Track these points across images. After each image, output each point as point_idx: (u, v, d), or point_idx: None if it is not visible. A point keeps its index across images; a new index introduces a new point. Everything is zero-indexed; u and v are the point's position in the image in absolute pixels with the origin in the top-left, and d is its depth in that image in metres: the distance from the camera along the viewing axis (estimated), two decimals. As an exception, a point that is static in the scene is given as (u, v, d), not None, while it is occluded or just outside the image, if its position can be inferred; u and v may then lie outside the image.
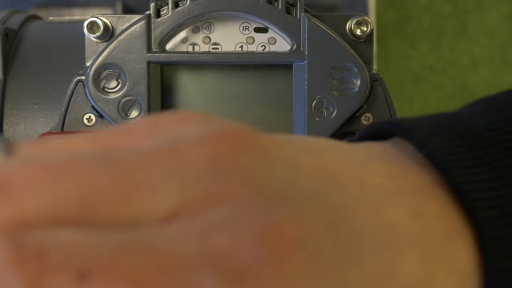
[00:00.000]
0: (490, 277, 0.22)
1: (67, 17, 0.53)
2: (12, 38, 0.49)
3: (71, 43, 0.49)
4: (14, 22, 0.51)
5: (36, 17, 0.54)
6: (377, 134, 0.26)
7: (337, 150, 0.23)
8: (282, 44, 0.42)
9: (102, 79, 0.41)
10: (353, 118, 0.42)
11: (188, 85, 0.43)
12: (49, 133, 0.41)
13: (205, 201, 0.18)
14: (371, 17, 0.94)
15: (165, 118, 0.20)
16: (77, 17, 0.53)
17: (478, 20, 1.32)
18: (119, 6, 0.92)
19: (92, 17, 0.42)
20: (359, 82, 0.41)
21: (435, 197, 0.23)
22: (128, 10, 0.94)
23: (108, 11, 0.95)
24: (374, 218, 0.21)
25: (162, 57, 0.41)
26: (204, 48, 0.42)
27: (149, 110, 0.41)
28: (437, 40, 1.33)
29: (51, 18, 0.53)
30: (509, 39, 1.32)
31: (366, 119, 0.42)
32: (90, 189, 0.17)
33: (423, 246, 0.21)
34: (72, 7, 0.89)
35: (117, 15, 0.42)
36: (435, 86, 1.33)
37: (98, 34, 0.41)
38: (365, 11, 0.96)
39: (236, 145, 0.19)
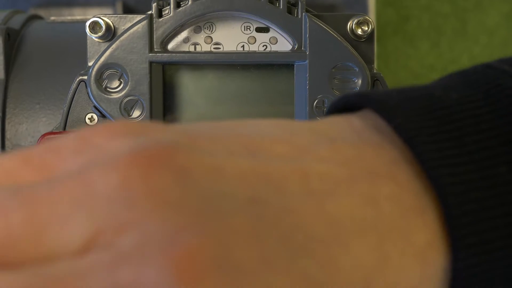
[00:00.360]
0: (456, 254, 0.21)
1: (69, 17, 0.53)
2: (14, 38, 0.49)
3: (73, 43, 0.49)
4: (16, 22, 0.51)
5: (37, 17, 0.54)
6: (347, 106, 0.25)
7: (282, 139, 0.22)
8: (284, 44, 0.42)
9: (104, 79, 0.41)
10: (354, 117, 0.42)
11: (189, 84, 0.43)
12: (51, 132, 0.42)
13: (116, 230, 0.17)
14: (371, 16, 0.94)
15: (92, 133, 0.20)
16: (78, 17, 0.53)
17: (477, 19, 1.33)
18: (119, 6, 0.92)
19: (94, 17, 0.42)
20: (360, 81, 0.41)
21: (393, 176, 0.22)
22: (128, 9, 0.94)
23: (108, 10, 0.95)
24: (315, 215, 0.20)
25: (164, 57, 0.41)
26: (206, 48, 0.42)
27: (151, 109, 0.41)
28: (436, 39, 1.33)
29: (52, 18, 0.53)
30: (508, 38, 1.32)
31: (367, 119, 0.42)
32: (5, 229, 0.17)
33: (375, 231, 0.21)
34: (73, 7, 0.89)
35: (119, 15, 0.42)
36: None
37: (100, 34, 0.42)
38: (365, 10, 0.96)
39: (148, 167, 0.18)
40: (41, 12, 0.89)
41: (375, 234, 0.21)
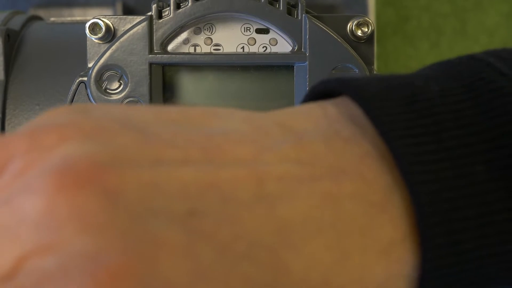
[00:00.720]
0: (425, 254, 0.21)
1: (69, 18, 0.53)
2: (14, 39, 0.49)
3: (73, 44, 0.49)
4: (16, 23, 0.51)
5: (37, 18, 0.54)
6: (327, 91, 0.25)
7: (246, 139, 0.22)
8: (284, 45, 0.42)
9: (104, 80, 0.41)
10: (354, 118, 0.42)
11: (189, 86, 0.43)
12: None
13: (41, 254, 0.17)
14: (371, 17, 0.95)
15: (42, 132, 0.20)
16: (78, 18, 0.53)
17: (477, 19, 1.33)
18: (119, 6, 0.92)
19: (94, 18, 0.42)
20: (360, 83, 0.41)
21: (359, 172, 0.21)
22: (128, 10, 0.94)
23: (108, 11, 0.95)
24: (262, 221, 0.20)
25: (164, 58, 0.41)
26: (206, 49, 0.42)
27: (151, 111, 0.41)
28: (436, 39, 1.33)
29: (52, 19, 0.53)
30: (508, 38, 1.32)
31: (367, 120, 0.42)
32: None
33: (333, 230, 0.20)
34: (72, 7, 0.89)
35: (119, 16, 0.42)
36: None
37: (100, 35, 0.42)
38: (364, 11, 0.96)
39: (74, 188, 0.18)
40: (41, 13, 0.89)
41: (333, 233, 0.21)
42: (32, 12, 0.88)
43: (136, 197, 0.18)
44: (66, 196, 0.18)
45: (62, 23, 0.53)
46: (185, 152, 0.20)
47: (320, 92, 0.25)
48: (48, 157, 0.19)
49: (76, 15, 0.89)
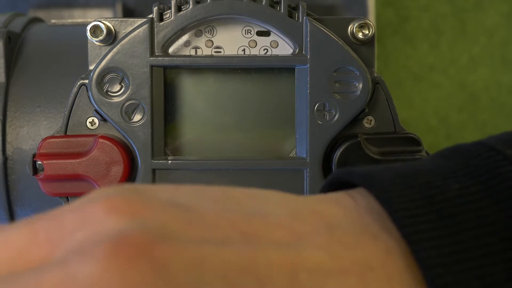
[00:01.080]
0: None
1: (69, 20, 0.53)
2: (15, 41, 0.49)
3: (74, 46, 0.49)
4: (17, 25, 0.51)
5: (38, 20, 0.54)
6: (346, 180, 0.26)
7: (283, 224, 0.23)
8: (285, 47, 0.42)
9: (105, 83, 0.41)
10: (355, 121, 0.42)
11: (190, 88, 0.43)
12: (52, 136, 0.42)
13: None
14: (371, 17, 0.95)
15: (92, 207, 0.22)
16: (79, 20, 0.53)
17: (477, 20, 1.33)
18: (119, 7, 0.92)
19: (95, 20, 0.42)
20: (361, 85, 0.41)
21: (385, 269, 0.22)
22: (128, 11, 0.94)
23: (108, 12, 0.95)
24: None
25: (165, 60, 0.41)
26: (207, 51, 0.42)
27: (152, 113, 0.41)
28: (436, 39, 1.33)
29: (53, 21, 0.53)
30: (508, 39, 1.32)
31: (368, 122, 0.42)
32: None
33: None
34: (72, 8, 0.89)
35: (119, 19, 0.42)
36: (435, 86, 1.33)
37: (101, 38, 0.42)
38: (364, 11, 0.96)
39: (126, 260, 0.19)
40: (41, 13, 0.90)
41: None
42: (32, 13, 0.88)
43: (182, 271, 0.20)
44: (119, 265, 0.19)
45: (63, 25, 0.53)
46: (227, 233, 0.22)
47: (339, 180, 0.27)
48: (103, 229, 0.21)
49: (76, 16, 0.89)
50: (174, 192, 0.23)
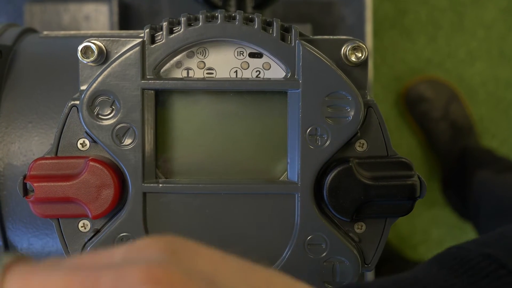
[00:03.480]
0: None
1: (62, 32, 0.52)
2: (6, 55, 0.48)
3: (66, 60, 0.49)
4: (9, 37, 0.51)
5: (30, 31, 0.54)
6: None
7: None
8: (277, 70, 0.42)
9: (96, 106, 0.41)
10: (347, 144, 0.42)
11: (182, 110, 0.42)
12: (42, 158, 0.41)
13: None
14: (368, 11, 0.94)
15: (130, 274, 0.23)
16: (72, 32, 0.52)
17: (475, 14, 1.32)
18: (114, 1, 0.92)
19: (85, 41, 0.41)
20: (353, 110, 0.41)
21: None
22: (124, 5, 0.94)
23: (103, 6, 0.94)
24: None
25: (157, 84, 0.41)
26: (199, 73, 0.42)
27: (143, 137, 0.41)
28: (433, 33, 1.32)
29: (45, 32, 0.53)
30: (506, 33, 1.32)
31: (360, 146, 0.42)
32: None
33: None
34: (68, 2, 0.88)
35: (111, 39, 0.42)
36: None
37: (92, 58, 0.41)
38: (362, 5, 0.96)
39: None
40: (37, 7, 0.89)
41: None
42: (28, 6, 0.87)
43: None
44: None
45: (56, 37, 0.52)
46: None
47: None
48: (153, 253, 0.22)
49: (71, 10, 0.89)
50: (218, 266, 0.24)
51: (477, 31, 1.31)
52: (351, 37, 0.43)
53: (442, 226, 1.33)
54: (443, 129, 1.28)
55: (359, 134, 0.42)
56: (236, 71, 0.42)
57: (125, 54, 0.41)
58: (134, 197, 0.41)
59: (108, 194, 0.41)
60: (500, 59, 1.31)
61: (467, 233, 1.34)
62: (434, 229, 1.33)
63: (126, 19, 0.93)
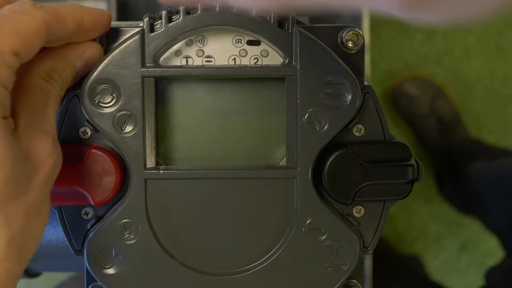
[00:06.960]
0: None
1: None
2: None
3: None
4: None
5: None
6: None
7: None
8: (275, 57, 0.43)
9: (97, 94, 0.41)
10: (345, 129, 0.42)
11: (182, 97, 0.43)
12: (45, 146, 0.42)
13: None
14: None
15: None
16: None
17: (471, 9, 1.32)
18: None
19: (86, 31, 0.42)
20: (350, 95, 0.41)
21: None
22: (121, 2, 0.94)
23: (102, 3, 0.94)
24: None
25: (157, 71, 0.41)
26: (198, 60, 0.43)
27: (144, 124, 0.41)
28: (430, 29, 1.33)
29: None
30: (502, 28, 1.32)
31: (358, 131, 0.43)
32: None
33: None
34: None
35: (111, 27, 0.42)
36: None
37: (92, 48, 0.42)
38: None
39: None
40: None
41: None
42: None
43: None
44: None
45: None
46: None
47: None
48: None
49: (70, 8, 0.89)
50: None
51: (474, 27, 1.32)
52: (347, 24, 0.44)
53: (439, 221, 1.34)
54: (431, 125, 1.29)
55: (356, 119, 0.42)
56: (234, 59, 0.43)
57: (125, 42, 0.41)
58: (136, 184, 0.42)
59: (110, 181, 0.41)
60: (497, 54, 1.32)
61: (464, 229, 1.34)
62: (431, 225, 1.34)
63: (124, 16, 0.93)
